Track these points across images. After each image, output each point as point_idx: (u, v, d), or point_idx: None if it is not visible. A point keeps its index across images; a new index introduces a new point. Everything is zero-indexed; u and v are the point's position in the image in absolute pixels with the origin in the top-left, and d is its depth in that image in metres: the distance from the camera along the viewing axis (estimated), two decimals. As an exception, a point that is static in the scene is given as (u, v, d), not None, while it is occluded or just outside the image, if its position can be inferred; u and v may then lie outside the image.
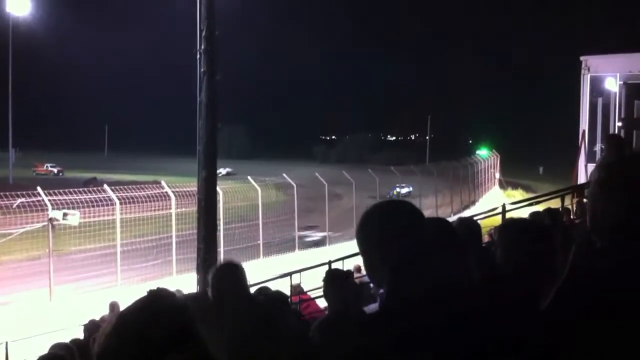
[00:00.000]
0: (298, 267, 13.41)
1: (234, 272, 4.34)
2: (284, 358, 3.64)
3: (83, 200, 17.86)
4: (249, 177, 23.12)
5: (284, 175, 25.55)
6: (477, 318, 1.79)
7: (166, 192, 19.26)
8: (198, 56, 10.53)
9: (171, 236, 18.85)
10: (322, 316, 5.10)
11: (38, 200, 16.76)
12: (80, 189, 18.48)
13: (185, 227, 18.45)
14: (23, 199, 17.02)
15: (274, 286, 7.31)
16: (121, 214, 17.85)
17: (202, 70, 10.53)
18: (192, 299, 3.03)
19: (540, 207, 9.33)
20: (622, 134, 19.17)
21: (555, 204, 9.43)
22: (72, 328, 11.44)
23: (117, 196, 17.92)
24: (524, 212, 8.99)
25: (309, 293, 10.25)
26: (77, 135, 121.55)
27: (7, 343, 11.61)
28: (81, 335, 9.15)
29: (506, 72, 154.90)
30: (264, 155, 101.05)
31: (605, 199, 1.84)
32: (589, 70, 21.59)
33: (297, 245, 23.52)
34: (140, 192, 19.14)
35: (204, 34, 10.48)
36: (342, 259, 10.24)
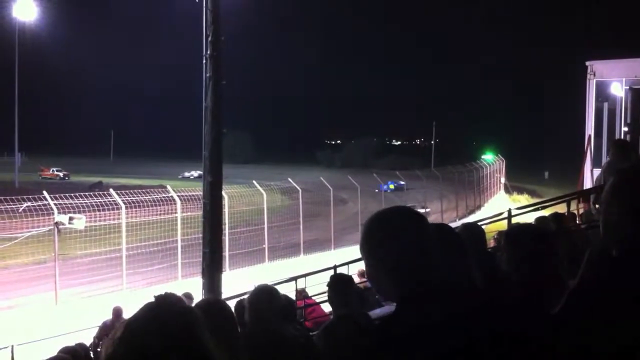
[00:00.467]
0: (303, 271, 13.41)
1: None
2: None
3: (89, 204, 17.91)
4: (254, 182, 23.14)
5: (289, 179, 25.57)
6: (476, 317, 1.79)
7: (171, 197, 19.28)
8: (204, 61, 10.56)
9: (176, 240, 18.88)
10: (327, 321, 5.10)
11: (44, 205, 16.79)
12: (86, 193, 18.54)
13: (191, 231, 18.47)
14: (29, 203, 17.06)
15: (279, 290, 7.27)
16: (127, 218, 17.88)
17: (208, 75, 10.56)
18: (205, 306, 2.99)
19: (546, 212, 9.32)
20: (628, 138, 19.11)
21: (561, 209, 9.41)
22: (77, 332, 11.46)
23: (122, 200, 17.96)
24: (530, 217, 8.97)
25: (313, 298, 10.24)
26: (83, 139, 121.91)
27: (12, 346, 11.62)
28: (86, 339, 9.18)
29: (511, 76, 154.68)
30: (269, 160, 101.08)
31: (618, 206, 1.83)
32: (594, 75, 21.53)
33: (302, 249, 23.50)
34: (146, 196, 19.19)
35: (210, 39, 10.50)
36: (347, 263, 10.23)
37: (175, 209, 19.14)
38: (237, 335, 3.18)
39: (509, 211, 9.61)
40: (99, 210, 17.84)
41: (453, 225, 3.43)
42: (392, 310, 1.94)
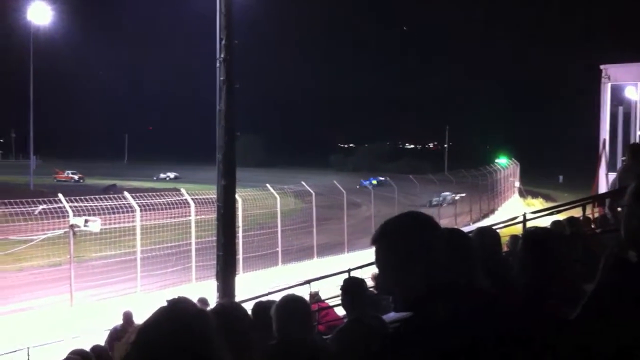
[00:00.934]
0: (316, 274, 13.40)
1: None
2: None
3: (103, 207, 18.01)
4: (267, 185, 23.17)
5: (303, 183, 25.59)
6: (481, 319, 1.80)
7: (185, 200, 19.35)
8: (218, 65, 10.60)
9: (190, 243, 18.93)
10: (341, 325, 5.10)
11: (59, 207, 16.90)
12: (101, 196, 18.65)
13: (205, 234, 18.52)
14: (45, 206, 17.18)
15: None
16: (141, 220, 17.95)
17: (221, 79, 10.59)
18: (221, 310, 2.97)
19: (561, 217, 9.27)
20: (643, 142, 18.96)
21: (576, 213, 9.35)
22: (92, 334, 11.53)
23: (137, 203, 18.04)
24: (545, 222, 8.93)
25: (327, 301, 10.24)
26: (97, 142, 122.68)
27: (28, 348, 11.72)
28: (102, 341, 9.23)
29: (526, 80, 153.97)
30: (281, 163, 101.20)
31: None
32: (609, 79, 21.42)
33: (315, 252, 23.51)
34: (160, 199, 19.27)
35: (223, 42, 10.54)
36: (361, 267, 10.21)
37: (189, 212, 19.19)
38: (253, 340, 3.17)
39: (524, 215, 9.57)
40: (113, 213, 17.93)
41: (467, 229, 3.43)
42: (405, 314, 1.97)
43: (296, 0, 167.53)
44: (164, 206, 19.18)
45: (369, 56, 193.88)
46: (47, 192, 27.49)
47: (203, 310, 1.66)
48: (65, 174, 72.51)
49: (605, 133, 21.93)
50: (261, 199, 22.91)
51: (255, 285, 15.66)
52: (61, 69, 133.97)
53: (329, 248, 24.77)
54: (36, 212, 17.34)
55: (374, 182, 58.58)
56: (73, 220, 16.64)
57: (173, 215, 19.39)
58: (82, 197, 17.95)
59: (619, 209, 7.60)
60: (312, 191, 24.98)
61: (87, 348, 8.04)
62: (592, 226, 9.13)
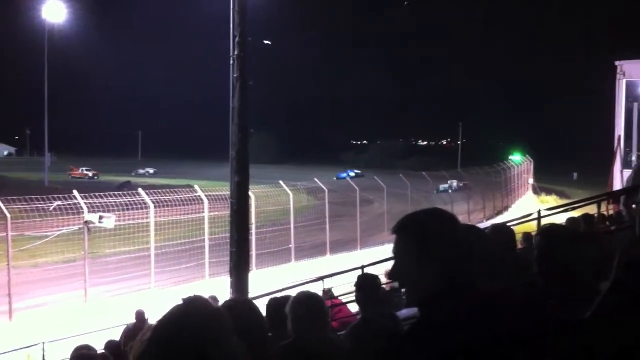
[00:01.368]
0: (329, 271, 13.41)
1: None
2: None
3: (118, 203, 18.12)
4: (280, 182, 23.19)
5: (316, 179, 25.59)
6: (491, 319, 1.80)
7: (199, 196, 19.41)
8: (231, 62, 10.61)
9: (204, 240, 19.00)
10: (354, 322, 5.10)
11: (74, 204, 17.02)
12: (115, 193, 18.75)
13: (218, 230, 18.59)
14: (59, 202, 17.30)
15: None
16: (155, 217, 18.03)
17: (235, 76, 10.60)
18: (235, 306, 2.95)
19: (575, 214, 9.22)
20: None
21: (591, 210, 9.30)
22: (107, 330, 11.60)
23: (151, 200, 18.13)
24: (560, 219, 8.88)
25: (340, 298, 10.25)
26: (111, 140, 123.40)
27: (44, 344, 11.80)
28: (115, 337, 9.28)
29: (539, 76, 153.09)
30: (294, 160, 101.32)
31: None
32: (624, 75, 21.27)
33: (328, 249, 23.52)
34: (174, 196, 19.35)
35: (237, 40, 10.55)
36: (374, 264, 10.22)
37: (203, 209, 19.25)
38: (266, 335, 3.16)
39: (539, 212, 9.53)
40: (127, 210, 18.03)
41: (481, 226, 3.41)
42: (418, 312, 1.97)
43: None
44: (177, 203, 19.26)
45: (381, 54, 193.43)
46: (62, 189, 27.70)
47: (218, 308, 1.67)
48: (80, 171, 73.04)
49: (620, 130, 21.78)
50: (274, 195, 22.94)
51: (269, 281, 15.69)
52: (76, 66, 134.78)
53: (342, 245, 24.76)
54: (51, 209, 17.46)
55: (352, 174, 65.35)
56: (88, 216, 16.75)
57: (186, 212, 19.45)
58: (96, 194, 18.06)
59: (634, 206, 7.56)
60: (325, 188, 24.97)
61: (102, 344, 8.11)
62: (607, 223, 9.07)
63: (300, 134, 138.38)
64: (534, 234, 8.15)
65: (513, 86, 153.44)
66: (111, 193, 18.62)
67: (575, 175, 71.45)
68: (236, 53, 10.55)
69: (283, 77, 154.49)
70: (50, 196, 17.94)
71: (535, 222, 9.93)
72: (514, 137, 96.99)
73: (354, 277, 9.44)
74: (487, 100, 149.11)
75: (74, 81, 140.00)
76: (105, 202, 18.06)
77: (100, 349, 7.34)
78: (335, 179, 54.01)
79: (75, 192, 17.11)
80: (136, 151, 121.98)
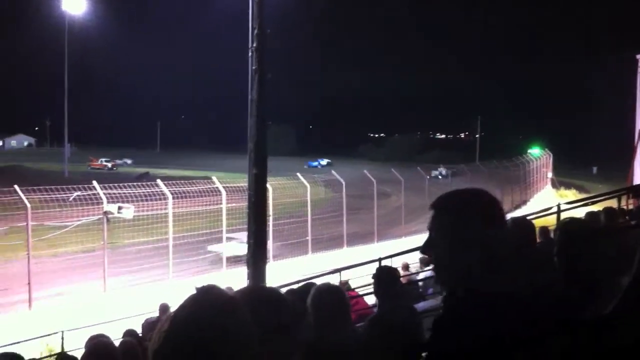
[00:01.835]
0: (346, 263, 13.43)
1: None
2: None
3: (136, 194, 18.24)
4: (298, 174, 23.20)
5: (333, 172, 25.57)
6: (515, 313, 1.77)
7: (216, 188, 19.48)
8: (250, 54, 10.61)
9: (222, 230, 19.08)
10: (372, 314, 5.10)
11: (93, 194, 17.15)
12: (134, 184, 18.88)
13: (235, 222, 18.66)
14: (79, 193, 17.45)
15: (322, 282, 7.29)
16: (173, 208, 18.12)
17: (253, 68, 10.61)
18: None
19: (595, 208, 9.14)
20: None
21: (610, 204, 9.20)
22: (125, 319, 11.70)
23: (169, 191, 18.21)
24: (579, 213, 8.80)
25: (356, 290, 10.26)
26: (130, 131, 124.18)
27: (62, 332, 11.93)
28: (133, 326, 9.35)
29: (557, 69, 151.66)
30: (312, 152, 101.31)
31: None
32: (645, 68, 21.03)
33: (345, 242, 23.52)
34: (192, 187, 19.44)
35: (255, 32, 10.55)
36: (392, 256, 10.21)
37: (220, 200, 19.31)
38: (285, 322, 3.12)
39: (558, 206, 9.46)
40: (146, 200, 18.14)
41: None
42: (435, 304, 1.95)
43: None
44: (195, 194, 19.34)
45: (401, 47, 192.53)
46: (81, 180, 27.93)
47: (234, 297, 1.66)
48: (99, 162, 73.65)
49: (641, 123, 21.57)
50: (291, 188, 22.97)
51: (285, 273, 15.74)
52: (95, 58, 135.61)
53: (359, 237, 24.74)
54: (70, 199, 17.62)
55: (323, 162, 74.09)
56: (107, 207, 16.88)
57: (204, 203, 19.53)
58: (115, 185, 18.19)
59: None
60: (342, 181, 24.95)
61: (120, 333, 8.18)
62: (627, 217, 8.98)
63: (317, 127, 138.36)
64: (551, 228, 8.09)
65: (532, 80, 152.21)
66: (130, 184, 18.74)
67: (595, 169, 70.80)
68: (254, 45, 10.55)
69: (301, 69, 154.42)
70: (69, 186, 18.10)
71: (553, 217, 9.86)
72: (533, 130, 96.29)
73: (370, 269, 9.45)
74: (506, 93, 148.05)
75: (93, 72, 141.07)
76: (124, 193, 18.20)
77: (119, 337, 7.39)
78: (306, 166, 57.93)
79: (95, 183, 17.24)
80: (154, 143, 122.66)
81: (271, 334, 1.84)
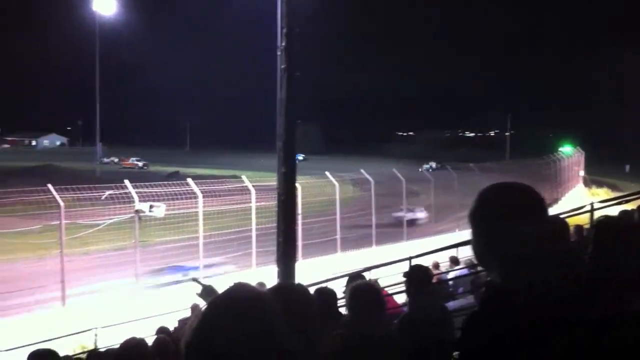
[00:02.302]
0: (375, 262, 13.40)
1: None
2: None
3: (166, 193, 18.40)
4: (326, 173, 23.20)
5: (362, 171, 25.52)
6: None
7: (245, 187, 19.57)
8: (278, 53, 10.64)
9: (251, 229, 19.16)
10: (403, 312, 5.09)
11: (124, 193, 17.35)
12: (164, 182, 19.06)
13: (264, 220, 18.71)
14: (111, 191, 17.66)
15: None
16: (203, 206, 18.24)
17: (282, 67, 10.63)
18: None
19: (629, 206, 8.99)
20: None
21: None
22: (157, 316, 11.82)
23: (199, 189, 18.34)
24: (613, 211, 8.67)
25: (385, 289, 10.23)
26: (160, 131, 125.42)
27: (96, 329, 12.09)
28: (166, 323, 9.44)
29: (589, 67, 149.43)
30: (339, 151, 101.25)
31: None
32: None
33: (374, 240, 23.46)
34: (221, 186, 19.55)
35: (284, 31, 10.57)
36: (422, 255, 10.17)
37: (249, 199, 19.40)
38: (314, 319, 3.12)
39: (592, 205, 9.33)
40: (176, 199, 18.30)
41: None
42: (473, 302, 1.93)
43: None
44: (225, 193, 19.46)
45: (429, 44, 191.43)
46: (112, 179, 28.26)
47: (265, 292, 1.68)
48: (130, 161, 74.50)
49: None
50: (320, 186, 22.98)
51: (315, 272, 15.75)
52: (126, 58, 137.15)
53: (388, 236, 24.67)
54: (102, 198, 17.85)
55: (300, 157, 70.89)
56: (138, 205, 17.06)
57: (233, 202, 19.64)
58: (146, 184, 18.38)
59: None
60: (371, 179, 24.89)
61: (153, 330, 8.27)
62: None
63: (345, 125, 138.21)
64: (585, 226, 8.00)
65: (563, 77, 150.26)
66: (160, 183, 18.92)
67: (628, 167, 69.60)
68: (283, 44, 10.58)
69: (329, 67, 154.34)
70: (101, 185, 18.33)
71: (585, 215, 9.72)
72: (565, 128, 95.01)
73: (400, 268, 9.42)
74: (537, 90, 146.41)
75: (124, 73, 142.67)
76: (155, 192, 18.38)
77: (151, 334, 7.48)
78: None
79: (127, 182, 17.43)
80: (184, 142, 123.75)
81: (296, 329, 1.85)
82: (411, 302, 4.77)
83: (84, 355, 11.03)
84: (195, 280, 3.48)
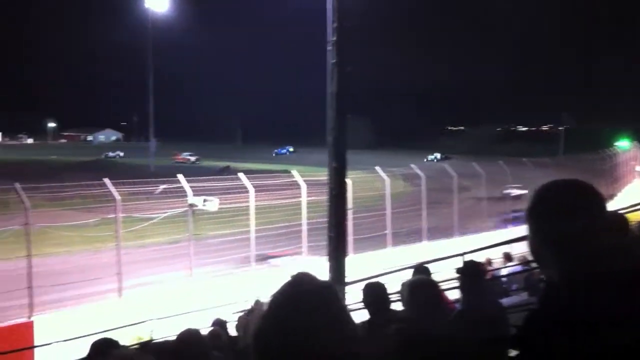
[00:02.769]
0: (426, 257, 13.28)
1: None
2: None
3: (218, 187, 18.64)
4: (376, 168, 23.13)
5: (412, 165, 25.34)
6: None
7: (296, 181, 19.67)
8: (329, 48, 10.66)
9: (301, 224, 19.26)
10: (457, 308, 5.07)
11: (178, 187, 17.64)
12: (216, 177, 19.31)
13: (315, 215, 18.77)
14: (165, 186, 17.98)
15: (402, 276, 7.27)
16: (254, 201, 18.41)
17: (332, 61, 10.65)
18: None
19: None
20: None
21: None
22: (211, 308, 12.01)
23: (250, 184, 18.53)
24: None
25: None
26: (212, 125, 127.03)
27: (152, 321, 12.35)
28: (221, 315, 9.59)
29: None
30: (389, 146, 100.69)
31: None
32: None
33: (425, 235, 23.30)
34: (272, 180, 19.70)
35: (334, 25, 10.59)
36: (475, 251, 10.06)
37: (299, 193, 19.49)
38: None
39: (650, 200, 9.08)
40: (227, 193, 18.52)
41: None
42: (527, 299, 1.92)
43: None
44: (276, 187, 19.60)
45: (485, 38, 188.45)
46: (166, 173, 28.77)
47: (329, 281, 1.71)
48: (183, 156, 75.67)
49: None
50: (370, 181, 22.91)
51: (365, 266, 15.73)
52: (178, 54, 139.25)
53: (439, 231, 24.45)
54: (157, 192, 18.19)
55: (291, 149, 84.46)
56: (192, 199, 17.33)
57: (284, 196, 19.76)
58: (199, 178, 18.65)
59: None
60: (421, 174, 24.70)
61: (209, 321, 8.42)
62: None
63: (396, 120, 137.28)
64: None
65: (620, 71, 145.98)
66: (212, 177, 19.17)
67: (688, 162, 67.25)
68: (334, 39, 10.60)
69: (379, 61, 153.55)
70: (155, 180, 18.66)
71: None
72: (622, 122, 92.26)
73: (451, 263, 9.34)
74: (593, 84, 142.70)
75: (177, 69, 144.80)
76: (207, 186, 18.64)
77: (207, 327, 7.62)
78: (274, 154, 63.48)
79: (180, 177, 17.70)
80: (236, 137, 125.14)
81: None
82: (465, 298, 4.74)
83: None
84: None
